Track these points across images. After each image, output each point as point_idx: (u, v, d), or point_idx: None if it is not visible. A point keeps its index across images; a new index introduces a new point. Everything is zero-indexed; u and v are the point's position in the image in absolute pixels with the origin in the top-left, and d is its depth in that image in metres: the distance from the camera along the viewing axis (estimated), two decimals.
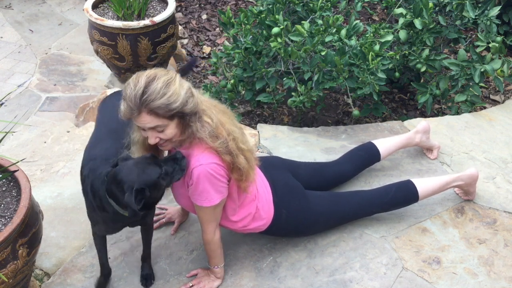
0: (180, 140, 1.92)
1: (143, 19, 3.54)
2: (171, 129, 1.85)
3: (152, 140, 1.86)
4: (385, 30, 2.94)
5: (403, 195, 2.40)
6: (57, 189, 2.67)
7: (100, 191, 1.91)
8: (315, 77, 2.89)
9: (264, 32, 2.99)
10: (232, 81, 3.15)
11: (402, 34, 3.04)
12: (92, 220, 2.06)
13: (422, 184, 2.41)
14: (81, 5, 4.96)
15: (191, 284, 2.19)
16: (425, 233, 2.41)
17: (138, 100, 1.77)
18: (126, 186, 1.80)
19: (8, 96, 3.85)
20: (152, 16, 3.53)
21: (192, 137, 1.90)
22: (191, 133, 1.88)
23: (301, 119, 3.44)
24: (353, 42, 2.87)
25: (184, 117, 1.85)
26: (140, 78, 1.81)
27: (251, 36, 3.02)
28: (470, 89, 3.05)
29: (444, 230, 2.43)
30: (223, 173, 1.93)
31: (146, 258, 2.23)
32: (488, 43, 3.00)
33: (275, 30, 2.87)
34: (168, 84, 1.80)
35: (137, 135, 2.00)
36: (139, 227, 2.17)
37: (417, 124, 2.80)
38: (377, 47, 2.80)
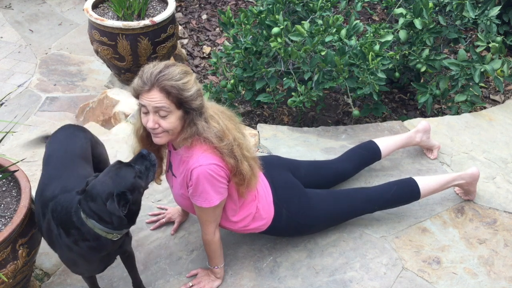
0: (182, 138, 1.91)
1: (143, 19, 3.54)
2: (173, 118, 1.84)
3: (150, 124, 1.83)
4: (385, 30, 2.94)
5: (405, 192, 2.40)
6: None
7: (75, 220, 1.80)
8: (315, 77, 2.89)
9: (264, 32, 2.99)
10: (232, 81, 3.15)
11: (402, 34, 3.04)
12: (73, 264, 1.90)
13: (424, 182, 2.41)
14: (81, 5, 4.96)
15: (191, 284, 2.19)
16: (425, 233, 2.41)
17: (154, 76, 1.79)
18: (105, 196, 1.72)
19: (8, 96, 3.85)
20: (152, 16, 3.53)
21: (194, 136, 1.89)
22: (195, 132, 1.88)
23: (301, 119, 3.44)
24: (353, 42, 2.87)
25: (189, 112, 1.85)
26: (160, 62, 1.84)
27: (251, 36, 3.02)
28: (470, 89, 3.05)
29: (444, 230, 2.43)
30: (223, 174, 1.93)
31: (139, 285, 2.17)
32: (488, 43, 3.00)
33: (275, 30, 2.87)
34: (186, 73, 1.83)
35: (137, 124, 2.00)
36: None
37: (418, 124, 2.80)
38: (377, 47, 2.80)
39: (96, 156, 2.16)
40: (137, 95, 1.84)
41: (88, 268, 1.93)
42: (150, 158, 1.87)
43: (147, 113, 1.84)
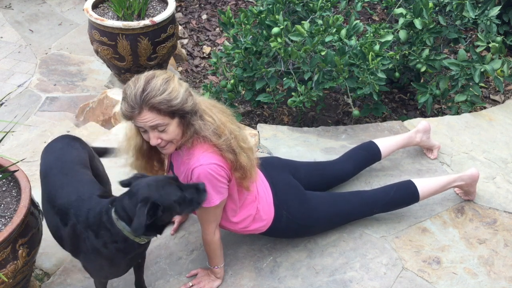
0: (183, 140, 1.92)
1: (143, 19, 3.54)
2: (172, 128, 1.85)
3: (153, 141, 1.86)
4: (385, 30, 2.94)
5: (404, 195, 2.40)
6: None
7: (105, 220, 1.80)
8: (315, 77, 2.89)
9: (264, 32, 2.99)
10: (232, 81, 3.15)
11: (402, 34, 3.04)
12: (99, 268, 1.90)
13: (423, 184, 2.41)
14: (81, 5, 4.96)
15: (191, 284, 2.19)
16: (425, 233, 2.41)
17: (138, 97, 1.78)
18: (142, 198, 1.72)
19: (8, 96, 3.85)
20: (152, 16, 3.53)
21: (194, 137, 1.90)
22: (194, 132, 1.88)
23: (301, 119, 3.44)
24: (353, 42, 2.87)
25: (185, 116, 1.85)
26: (139, 78, 1.83)
27: (251, 36, 3.02)
28: (470, 89, 3.05)
29: (444, 230, 2.43)
30: (224, 174, 1.93)
31: (142, 285, 2.17)
32: (488, 43, 3.00)
33: (275, 30, 2.87)
34: (168, 81, 1.82)
35: (135, 140, 2.00)
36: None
37: (418, 124, 2.80)
38: (377, 47, 2.80)
39: (93, 169, 2.13)
40: (128, 119, 1.85)
41: (113, 271, 1.93)
42: (201, 196, 1.84)
43: (145, 131, 1.86)
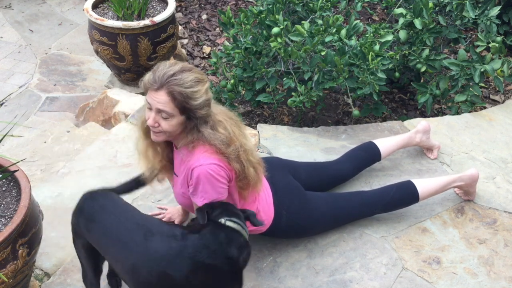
0: (184, 140, 1.92)
1: (143, 19, 3.54)
2: (174, 122, 1.85)
3: (150, 121, 1.86)
4: (385, 30, 2.94)
5: (404, 196, 2.40)
6: (57, 189, 2.67)
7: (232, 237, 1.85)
8: (315, 77, 2.89)
9: (264, 32, 2.99)
10: (232, 81, 3.15)
11: (402, 34, 3.04)
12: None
13: (423, 185, 2.41)
14: (81, 5, 4.96)
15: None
16: (425, 233, 2.41)
17: (165, 77, 1.79)
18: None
19: (8, 96, 3.85)
20: (152, 16, 3.53)
21: (197, 140, 1.90)
22: (200, 138, 1.89)
23: (301, 119, 3.44)
24: (353, 42, 2.87)
25: (192, 119, 1.86)
26: (177, 63, 1.85)
27: (251, 36, 3.02)
28: (470, 89, 3.05)
29: (444, 230, 2.43)
30: (223, 174, 1.93)
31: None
32: (488, 43, 3.00)
33: (275, 30, 2.87)
34: (198, 82, 1.83)
35: (143, 117, 1.99)
36: None
37: (417, 124, 2.80)
38: (377, 47, 2.80)
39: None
40: (145, 90, 1.85)
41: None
42: (244, 258, 1.86)
43: (150, 109, 1.86)
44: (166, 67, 1.82)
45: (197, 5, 4.91)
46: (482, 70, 2.94)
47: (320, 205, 2.29)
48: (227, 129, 1.92)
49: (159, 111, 1.82)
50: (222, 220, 1.86)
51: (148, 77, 1.84)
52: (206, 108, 1.86)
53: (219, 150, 1.89)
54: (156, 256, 1.76)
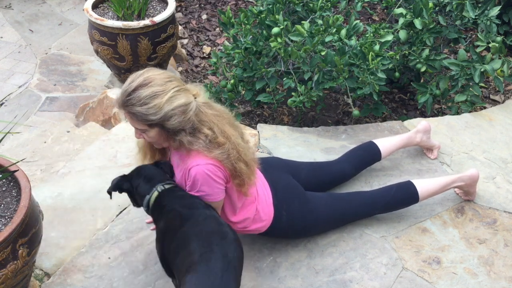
0: (175, 145, 1.94)
1: (143, 19, 3.54)
2: (152, 134, 1.89)
3: (136, 135, 1.95)
4: (385, 30, 2.94)
5: (404, 196, 2.40)
6: (57, 189, 2.67)
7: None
8: (315, 77, 2.89)
9: (264, 32, 2.99)
10: (232, 81, 3.15)
11: (402, 34, 3.04)
12: None
13: (423, 185, 2.41)
14: (81, 5, 4.96)
15: None
16: (425, 233, 2.41)
17: (123, 97, 1.85)
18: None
19: (8, 96, 3.85)
20: (152, 16, 3.53)
21: (184, 147, 1.91)
22: (181, 145, 1.91)
23: (301, 119, 3.44)
24: (353, 42, 2.87)
25: (165, 129, 1.86)
26: (139, 78, 1.85)
27: (251, 36, 3.02)
28: (470, 89, 3.05)
29: (444, 230, 2.43)
30: (220, 175, 1.93)
31: None
32: (488, 43, 3.00)
33: (275, 30, 2.87)
34: (155, 96, 1.81)
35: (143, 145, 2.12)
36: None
37: (418, 124, 2.80)
38: (377, 47, 2.80)
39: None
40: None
41: None
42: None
43: None
44: (126, 85, 1.85)
45: (197, 5, 4.91)
46: (482, 70, 2.94)
47: (320, 205, 2.29)
48: (213, 129, 1.90)
49: (134, 127, 1.89)
50: (159, 188, 1.93)
51: (118, 95, 1.89)
52: (175, 117, 1.83)
53: (204, 154, 1.89)
54: None
